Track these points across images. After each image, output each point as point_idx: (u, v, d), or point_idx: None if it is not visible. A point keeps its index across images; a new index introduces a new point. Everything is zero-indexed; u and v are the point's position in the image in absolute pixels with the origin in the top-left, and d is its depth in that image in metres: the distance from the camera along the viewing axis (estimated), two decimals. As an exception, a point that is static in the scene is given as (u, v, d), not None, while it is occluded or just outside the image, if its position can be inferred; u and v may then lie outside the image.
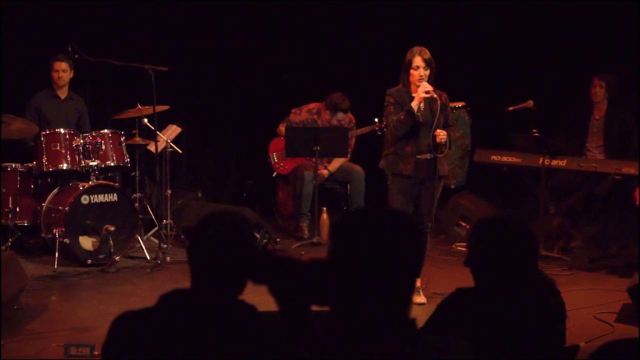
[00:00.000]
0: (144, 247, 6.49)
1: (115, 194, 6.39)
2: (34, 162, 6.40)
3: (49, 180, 6.54)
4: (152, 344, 2.05)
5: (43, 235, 6.32)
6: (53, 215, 6.27)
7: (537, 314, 2.54)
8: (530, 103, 6.89)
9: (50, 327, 4.73)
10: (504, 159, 7.10)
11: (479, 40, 8.79)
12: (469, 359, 1.79)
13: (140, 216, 6.66)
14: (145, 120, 6.74)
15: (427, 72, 5.13)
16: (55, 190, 6.41)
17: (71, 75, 6.83)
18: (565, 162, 6.78)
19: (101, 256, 6.24)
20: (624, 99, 7.10)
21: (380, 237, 1.70)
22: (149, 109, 6.54)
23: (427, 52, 5.16)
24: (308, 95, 7.77)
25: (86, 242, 6.27)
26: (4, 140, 6.16)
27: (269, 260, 2.01)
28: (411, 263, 1.74)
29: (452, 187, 7.68)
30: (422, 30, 8.59)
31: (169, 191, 6.77)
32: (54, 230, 6.16)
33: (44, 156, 6.29)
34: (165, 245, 6.60)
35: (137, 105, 6.72)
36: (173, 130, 7.11)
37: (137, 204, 6.61)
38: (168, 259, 6.36)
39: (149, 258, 6.40)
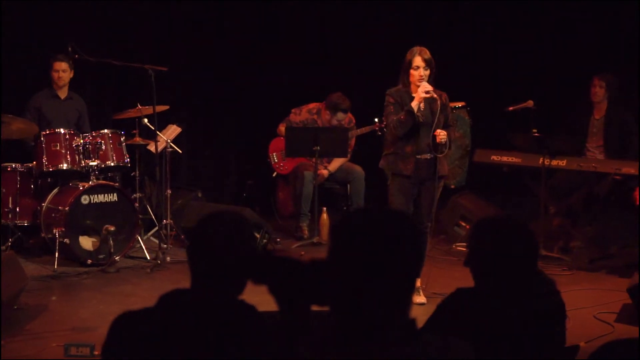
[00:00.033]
0: (144, 247, 6.48)
1: (115, 194, 6.39)
2: (34, 162, 6.40)
3: (49, 180, 6.54)
4: (152, 344, 2.05)
5: (43, 235, 6.32)
6: (53, 215, 6.27)
7: (537, 314, 2.54)
8: (530, 103, 6.90)
9: (50, 327, 4.73)
10: (504, 159, 7.10)
11: (479, 40, 8.79)
12: (469, 359, 1.79)
13: (140, 216, 6.66)
14: (145, 120, 6.74)
15: (427, 72, 5.13)
16: (55, 190, 6.41)
17: (71, 75, 6.83)
18: (565, 162, 6.78)
19: (101, 256, 6.24)
20: (624, 99, 7.09)
21: (380, 237, 1.69)
22: (149, 109, 6.54)
23: (427, 52, 5.16)
24: (308, 95, 7.77)
25: (86, 242, 6.27)
26: (4, 140, 6.17)
27: (269, 260, 2.01)
28: (411, 263, 1.74)
29: (452, 187, 7.68)
30: (422, 30, 8.59)
31: (169, 191, 6.76)
32: (54, 230, 6.16)
33: (44, 156, 6.29)
34: (165, 245, 6.59)
35: (137, 105, 6.72)
36: (173, 130, 7.11)
37: (137, 204, 6.61)
38: (168, 259, 6.35)
39: (149, 258, 6.40)
